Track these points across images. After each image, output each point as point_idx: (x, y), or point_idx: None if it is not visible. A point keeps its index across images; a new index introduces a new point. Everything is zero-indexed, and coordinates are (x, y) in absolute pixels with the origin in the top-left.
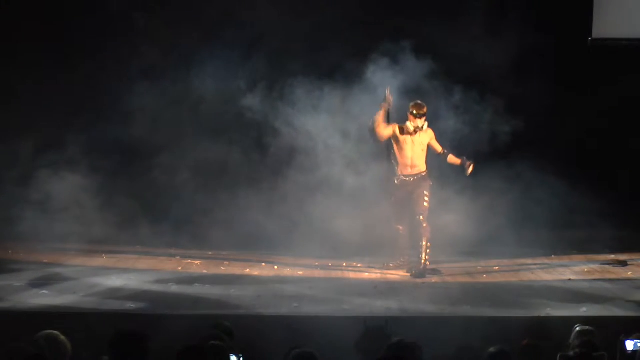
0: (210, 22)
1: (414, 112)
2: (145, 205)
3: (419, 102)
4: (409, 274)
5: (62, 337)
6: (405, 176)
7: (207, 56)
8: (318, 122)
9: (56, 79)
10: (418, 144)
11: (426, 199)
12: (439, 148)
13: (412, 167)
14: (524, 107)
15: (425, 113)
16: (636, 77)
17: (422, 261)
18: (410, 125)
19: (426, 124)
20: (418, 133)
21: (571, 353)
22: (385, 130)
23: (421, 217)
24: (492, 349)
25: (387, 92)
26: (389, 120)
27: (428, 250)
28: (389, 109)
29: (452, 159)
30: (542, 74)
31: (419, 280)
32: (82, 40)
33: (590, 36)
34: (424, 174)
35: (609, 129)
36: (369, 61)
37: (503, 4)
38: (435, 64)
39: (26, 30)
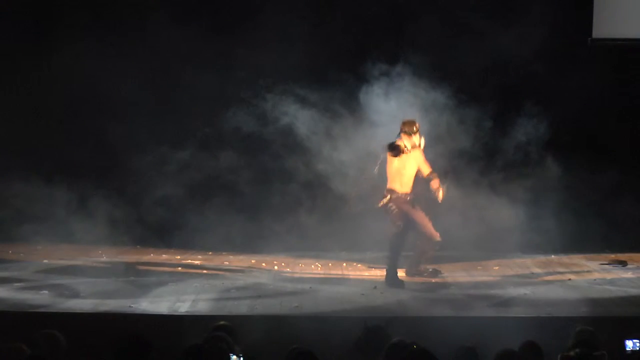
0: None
1: (412, 130)
2: (145, 206)
3: (411, 120)
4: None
5: (61, 337)
6: (405, 195)
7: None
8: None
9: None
10: (415, 161)
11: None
12: (428, 170)
13: (408, 186)
14: (524, 106)
15: (416, 130)
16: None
17: (419, 262)
18: (408, 143)
19: (422, 140)
20: (413, 150)
21: (571, 353)
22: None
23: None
24: (499, 350)
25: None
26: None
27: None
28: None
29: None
30: (542, 73)
31: (418, 280)
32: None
33: (590, 36)
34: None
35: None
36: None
37: (503, 4)
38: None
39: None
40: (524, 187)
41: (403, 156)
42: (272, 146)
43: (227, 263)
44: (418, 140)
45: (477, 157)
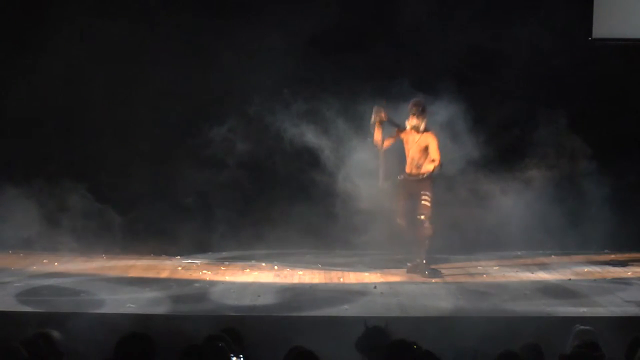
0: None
1: (409, 110)
2: (143, 208)
3: (415, 99)
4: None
5: (58, 337)
6: (408, 175)
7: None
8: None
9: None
10: (417, 145)
11: (427, 199)
12: (433, 156)
13: (414, 167)
14: (523, 106)
15: (417, 112)
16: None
17: (422, 260)
18: (407, 123)
19: (423, 124)
20: (417, 133)
21: (571, 353)
22: (385, 144)
23: (422, 217)
24: (499, 350)
25: (375, 109)
26: (392, 126)
27: (427, 249)
28: (381, 122)
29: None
30: (542, 74)
31: (418, 280)
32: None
33: (590, 36)
34: (424, 176)
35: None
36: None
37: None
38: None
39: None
40: (524, 186)
41: (408, 137)
42: (270, 148)
43: (226, 263)
44: (416, 122)
45: (479, 157)
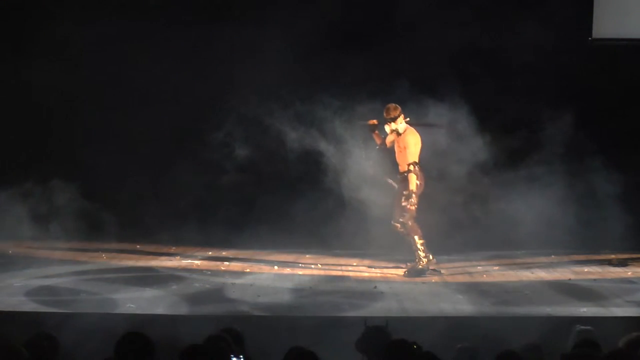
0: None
1: (384, 117)
2: (145, 204)
3: (388, 106)
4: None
5: (59, 337)
6: (398, 174)
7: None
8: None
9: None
10: (398, 146)
11: (408, 198)
12: (408, 159)
13: (399, 166)
14: (523, 106)
15: (392, 117)
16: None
17: (417, 260)
18: (386, 128)
19: (399, 127)
20: (397, 136)
21: (571, 353)
22: (388, 143)
23: (402, 219)
24: (499, 350)
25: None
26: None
27: (422, 248)
28: (375, 126)
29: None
30: (542, 74)
31: (418, 280)
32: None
33: (590, 36)
34: (404, 175)
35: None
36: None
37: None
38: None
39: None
40: (526, 185)
41: (397, 138)
42: (270, 148)
43: (226, 263)
44: (390, 128)
45: (479, 157)
